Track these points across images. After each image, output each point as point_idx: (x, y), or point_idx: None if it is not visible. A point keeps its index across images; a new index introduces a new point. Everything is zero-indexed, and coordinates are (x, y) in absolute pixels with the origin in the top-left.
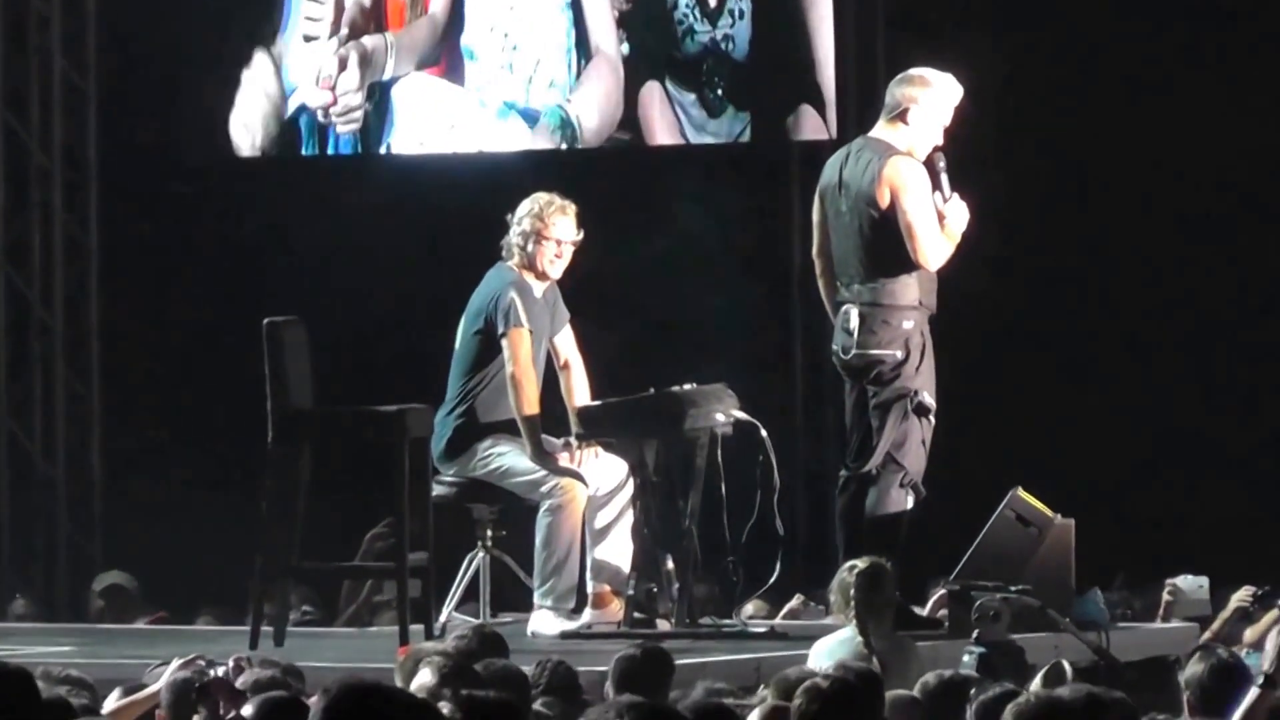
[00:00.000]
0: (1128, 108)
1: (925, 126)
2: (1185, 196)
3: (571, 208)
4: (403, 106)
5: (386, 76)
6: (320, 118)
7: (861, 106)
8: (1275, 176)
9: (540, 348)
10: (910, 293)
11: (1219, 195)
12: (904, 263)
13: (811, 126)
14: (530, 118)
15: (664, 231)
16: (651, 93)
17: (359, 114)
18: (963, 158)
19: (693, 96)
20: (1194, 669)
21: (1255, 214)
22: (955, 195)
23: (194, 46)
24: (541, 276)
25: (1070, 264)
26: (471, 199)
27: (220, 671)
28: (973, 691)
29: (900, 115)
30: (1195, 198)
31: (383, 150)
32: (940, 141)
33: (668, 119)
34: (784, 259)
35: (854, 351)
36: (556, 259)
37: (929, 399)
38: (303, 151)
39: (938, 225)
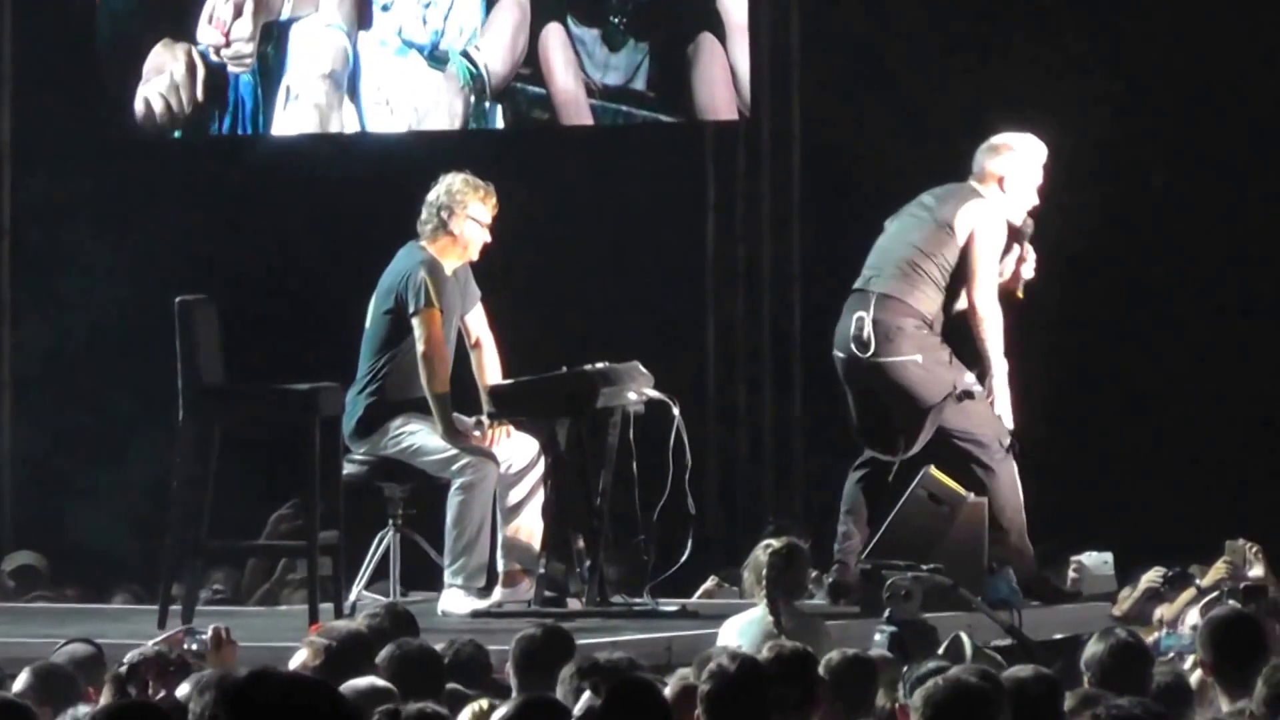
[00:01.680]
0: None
1: (1019, 193)
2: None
3: (488, 188)
4: (298, 49)
5: (285, 17)
6: (213, 56)
7: (774, 48)
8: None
9: (451, 327)
10: (930, 307)
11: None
12: (938, 284)
13: (718, 64)
14: (439, 60)
15: (577, 210)
16: (552, 34)
17: (249, 60)
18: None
19: (595, 33)
20: (1094, 648)
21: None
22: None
23: (104, 24)
24: (456, 256)
25: None
26: (384, 176)
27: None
28: (905, 669)
29: (995, 184)
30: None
31: (281, 93)
32: (1035, 203)
33: (568, 59)
34: (699, 238)
35: (868, 357)
36: (474, 239)
37: (970, 382)
38: (198, 96)
39: (997, 279)
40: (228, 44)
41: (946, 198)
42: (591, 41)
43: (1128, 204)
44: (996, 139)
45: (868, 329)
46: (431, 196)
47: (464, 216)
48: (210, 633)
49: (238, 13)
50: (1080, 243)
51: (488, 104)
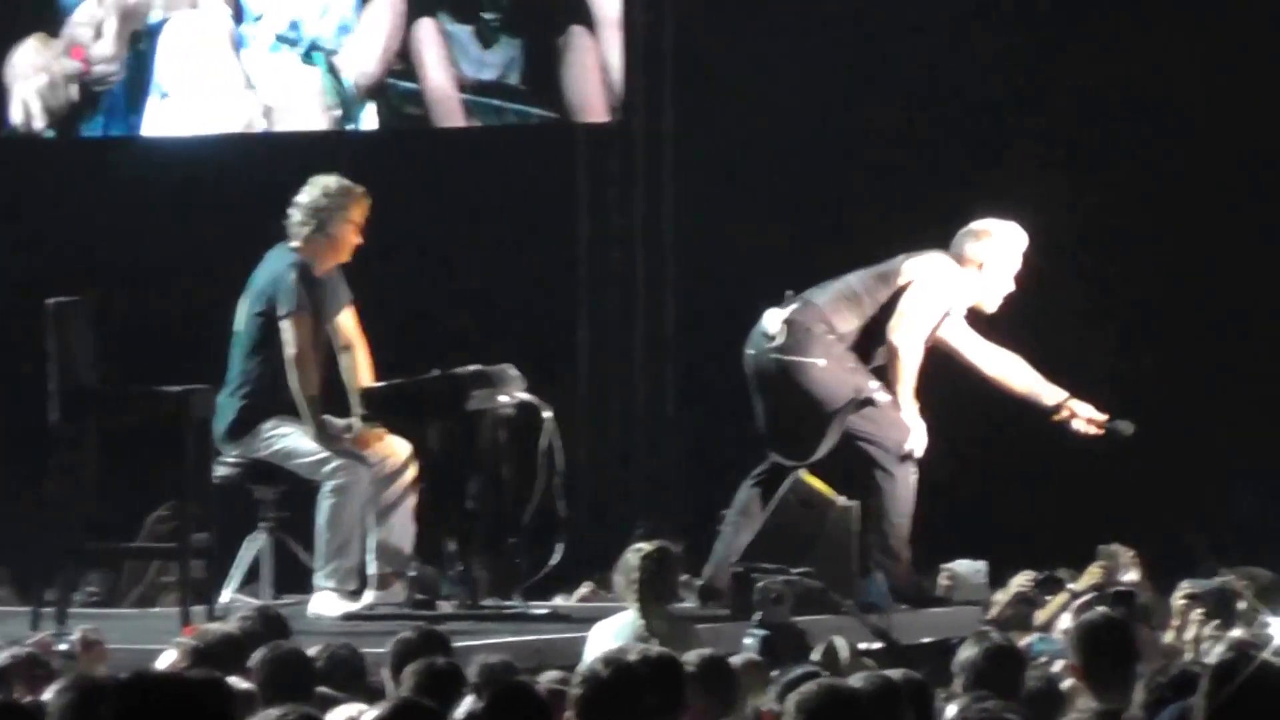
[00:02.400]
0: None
1: (997, 279)
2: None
3: (360, 190)
4: (169, 48)
5: (155, 20)
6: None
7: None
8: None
9: (321, 330)
10: (844, 325)
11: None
12: (861, 311)
13: (589, 59)
14: (311, 59)
15: (450, 212)
16: (424, 29)
17: (116, 77)
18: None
19: (468, 29)
20: (967, 652)
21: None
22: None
23: None
24: (329, 258)
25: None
26: (255, 178)
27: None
28: (774, 673)
29: (975, 267)
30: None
31: (153, 92)
32: (1011, 289)
33: (441, 55)
34: (571, 242)
35: (772, 355)
36: (348, 242)
37: (874, 389)
38: (73, 96)
39: (928, 329)
40: (88, 71)
41: (913, 254)
42: (465, 38)
43: None
44: (978, 224)
45: (779, 326)
46: (305, 199)
47: (342, 219)
48: (79, 636)
49: (98, 33)
50: None
51: (356, 112)
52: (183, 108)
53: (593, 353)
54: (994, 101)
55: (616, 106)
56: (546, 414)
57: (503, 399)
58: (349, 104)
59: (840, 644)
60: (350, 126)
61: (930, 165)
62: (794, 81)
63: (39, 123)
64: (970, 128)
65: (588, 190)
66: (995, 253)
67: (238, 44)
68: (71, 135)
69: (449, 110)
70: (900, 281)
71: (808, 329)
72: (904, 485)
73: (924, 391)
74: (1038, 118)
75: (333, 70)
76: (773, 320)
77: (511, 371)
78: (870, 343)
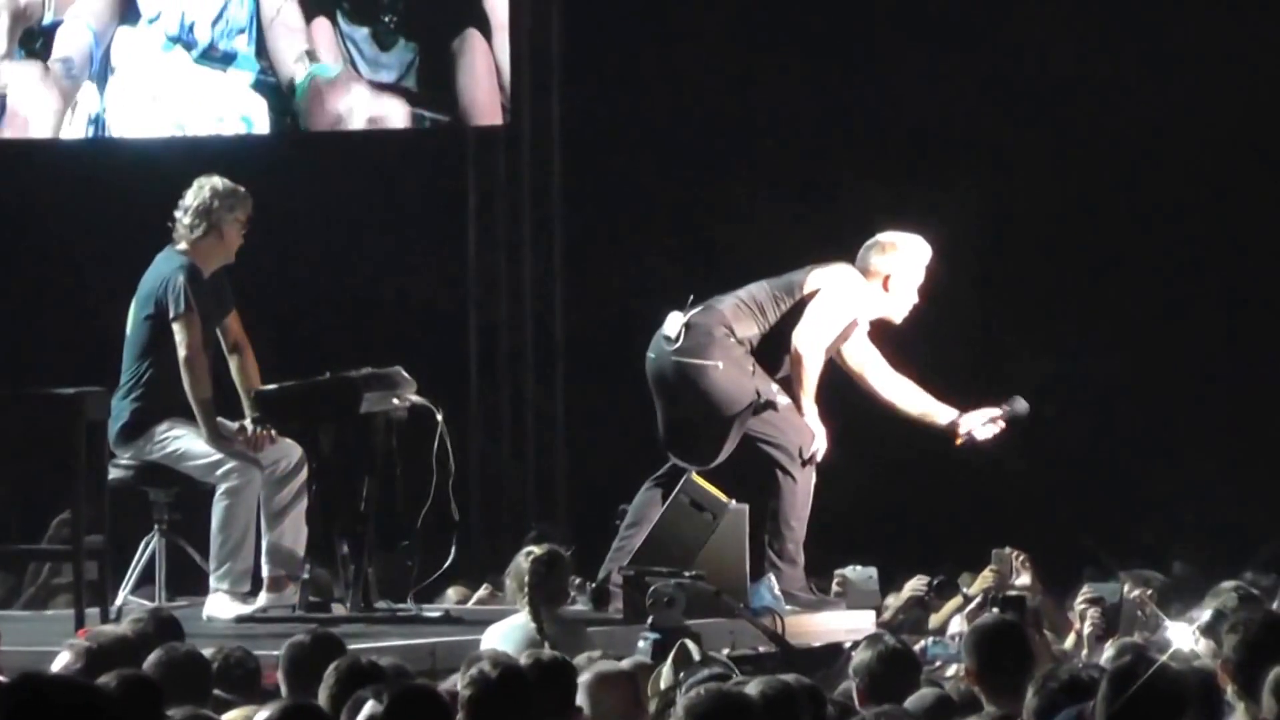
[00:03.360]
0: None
1: (900, 294)
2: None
3: (245, 191)
4: (59, 50)
5: (47, 21)
6: None
7: (533, 48)
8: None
9: (211, 332)
10: (745, 330)
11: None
12: (763, 318)
13: (481, 62)
14: (216, 60)
15: (341, 214)
16: (321, 30)
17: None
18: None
19: (365, 31)
20: (862, 656)
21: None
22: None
23: None
24: (219, 259)
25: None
26: (145, 180)
27: None
28: (681, 675)
29: (879, 281)
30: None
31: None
32: (915, 302)
33: (337, 55)
34: (460, 245)
35: (672, 357)
36: (234, 243)
37: (774, 392)
38: None
39: (831, 336)
40: None
41: (820, 265)
42: (362, 40)
43: None
44: (883, 237)
45: (679, 329)
46: (193, 201)
47: (230, 220)
48: None
49: None
50: None
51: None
52: (70, 110)
53: (483, 355)
54: (888, 104)
55: (507, 104)
56: (438, 416)
57: (395, 401)
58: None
59: (691, 647)
60: (245, 130)
61: (826, 169)
62: (683, 83)
63: None
64: (866, 132)
65: (476, 193)
66: (901, 265)
67: (107, 52)
68: None
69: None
70: (805, 291)
71: (708, 331)
72: (802, 489)
73: (823, 395)
74: (945, 123)
75: (263, 77)
76: (673, 324)
77: (402, 374)
78: (773, 351)
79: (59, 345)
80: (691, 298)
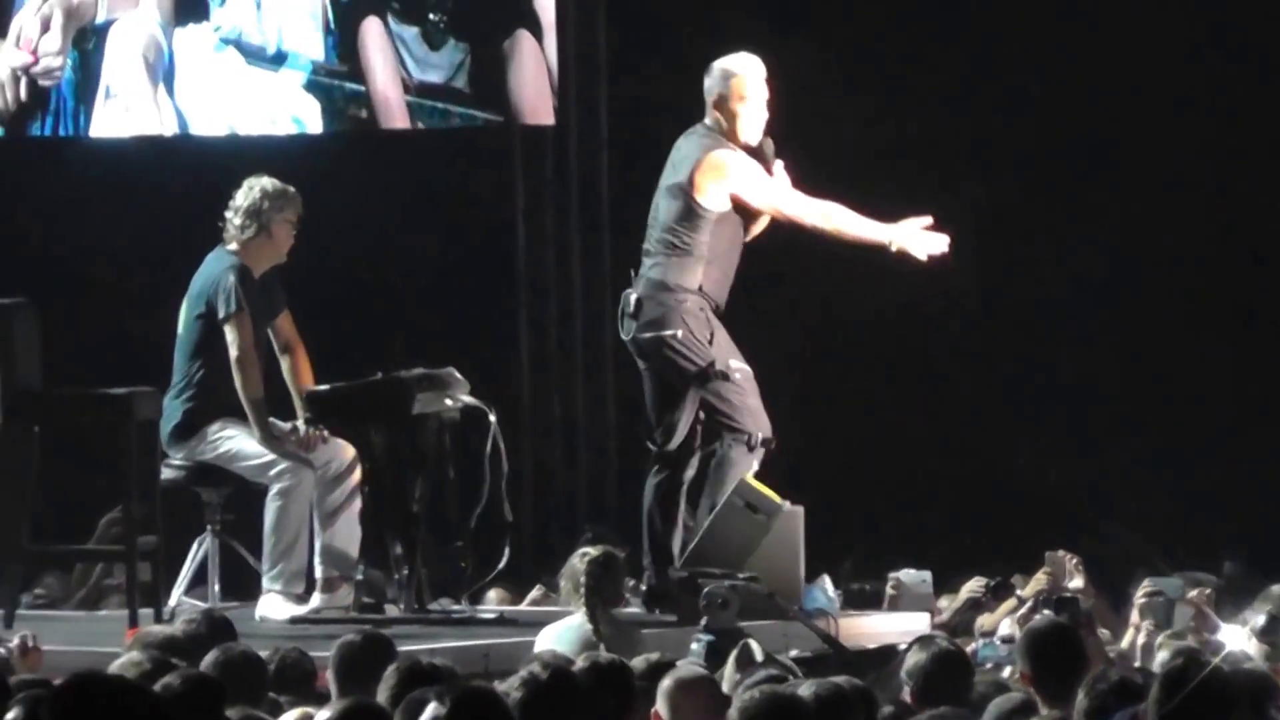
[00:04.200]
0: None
1: (745, 114)
2: (923, 186)
3: (294, 191)
4: (116, 48)
5: (100, 20)
6: (21, 73)
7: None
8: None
9: (261, 331)
10: (691, 278)
11: (950, 184)
12: (692, 249)
13: (532, 62)
14: (273, 60)
15: (392, 215)
16: (371, 30)
17: (59, 73)
18: None
19: (414, 31)
20: (915, 658)
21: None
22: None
23: None
24: (269, 259)
25: (805, 248)
26: (201, 180)
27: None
28: (738, 676)
29: (719, 109)
30: (929, 187)
31: (100, 92)
32: (765, 117)
33: (387, 55)
34: (510, 244)
35: (634, 334)
36: (285, 243)
37: (734, 363)
38: (21, 96)
39: (777, 188)
40: (36, 62)
41: (680, 162)
42: (412, 39)
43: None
44: (715, 63)
45: (632, 306)
46: (243, 201)
47: (280, 220)
48: (16, 640)
49: (45, 27)
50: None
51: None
52: (127, 109)
53: (534, 356)
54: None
55: (560, 109)
56: (491, 417)
57: (447, 402)
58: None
59: (754, 646)
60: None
61: (877, 166)
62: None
63: None
64: (921, 129)
65: (525, 192)
66: (734, 87)
67: (171, 52)
68: (20, 135)
69: (394, 112)
70: (703, 196)
71: (656, 299)
72: (738, 471)
73: (867, 397)
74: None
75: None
76: (627, 301)
77: (455, 375)
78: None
79: (111, 345)
80: (633, 272)
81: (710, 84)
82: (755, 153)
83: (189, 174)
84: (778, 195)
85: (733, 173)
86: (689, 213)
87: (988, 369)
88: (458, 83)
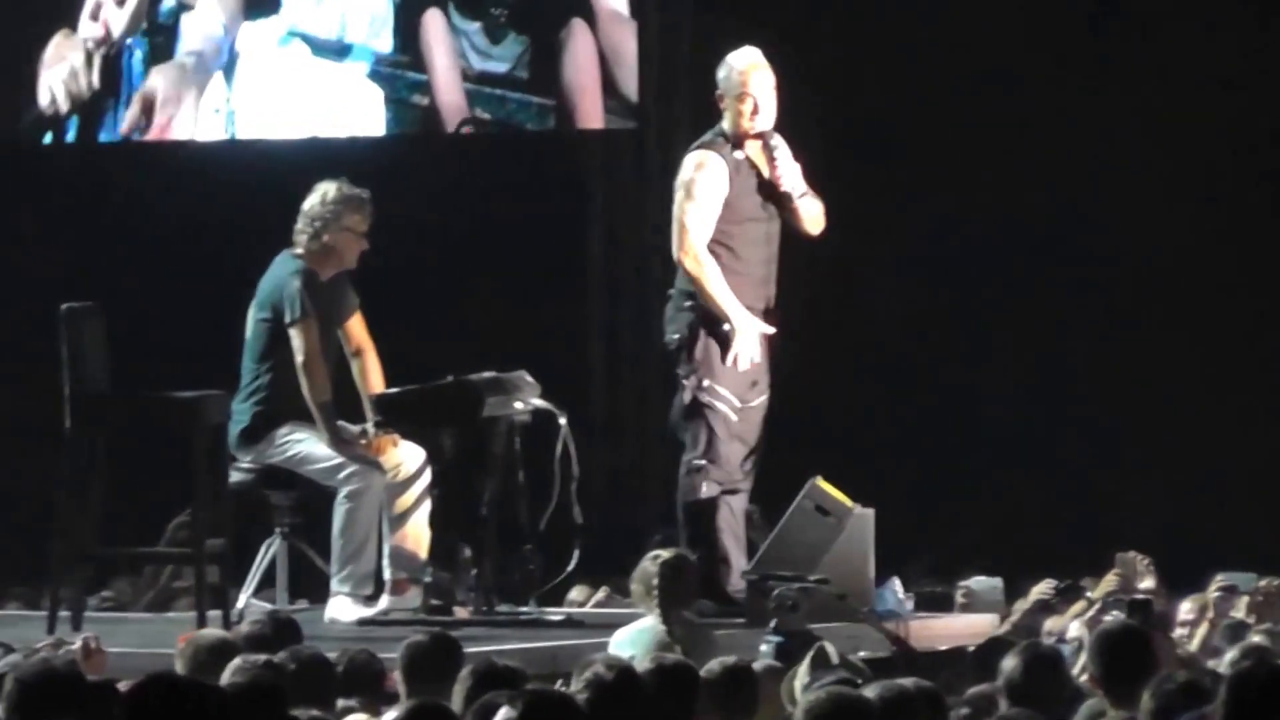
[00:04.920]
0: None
1: (746, 103)
2: (1005, 188)
3: (364, 197)
4: (187, 44)
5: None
6: (95, 49)
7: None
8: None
9: (330, 334)
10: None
11: (1026, 192)
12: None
13: (585, 52)
14: (339, 53)
15: (466, 218)
16: (432, 21)
17: (133, 44)
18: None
19: (476, 25)
20: (1009, 662)
21: (1080, 212)
22: (794, 173)
23: None
24: (332, 265)
25: (883, 254)
26: (268, 182)
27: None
28: (809, 679)
29: (723, 102)
30: (1002, 192)
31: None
32: (769, 113)
33: (449, 47)
34: (583, 248)
35: (665, 337)
36: (349, 249)
37: (718, 388)
38: (95, 83)
39: (704, 226)
40: (107, 36)
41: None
42: (473, 33)
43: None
44: (729, 56)
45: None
46: (306, 206)
47: (338, 228)
48: (79, 643)
49: (119, 2)
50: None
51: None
52: (198, 109)
53: (607, 359)
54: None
55: (616, 104)
56: (562, 420)
57: (517, 405)
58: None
59: (830, 649)
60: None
61: (964, 167)
62: (805, 83)
63: (64, 107)
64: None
65: (601, 195)
66: (733, 78)
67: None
68: (92, 123)
69: (455, 102)
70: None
71: (677, 308)
72: (690, 497)
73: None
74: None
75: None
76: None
77: (526, 378)
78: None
79: (179, 349)
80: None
81: (720, 83)
82: (760, 139)
83: (258, 176)
84: (688, 217)
85: (683, 177)
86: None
87: (1064, 373)
88: (519, 73)
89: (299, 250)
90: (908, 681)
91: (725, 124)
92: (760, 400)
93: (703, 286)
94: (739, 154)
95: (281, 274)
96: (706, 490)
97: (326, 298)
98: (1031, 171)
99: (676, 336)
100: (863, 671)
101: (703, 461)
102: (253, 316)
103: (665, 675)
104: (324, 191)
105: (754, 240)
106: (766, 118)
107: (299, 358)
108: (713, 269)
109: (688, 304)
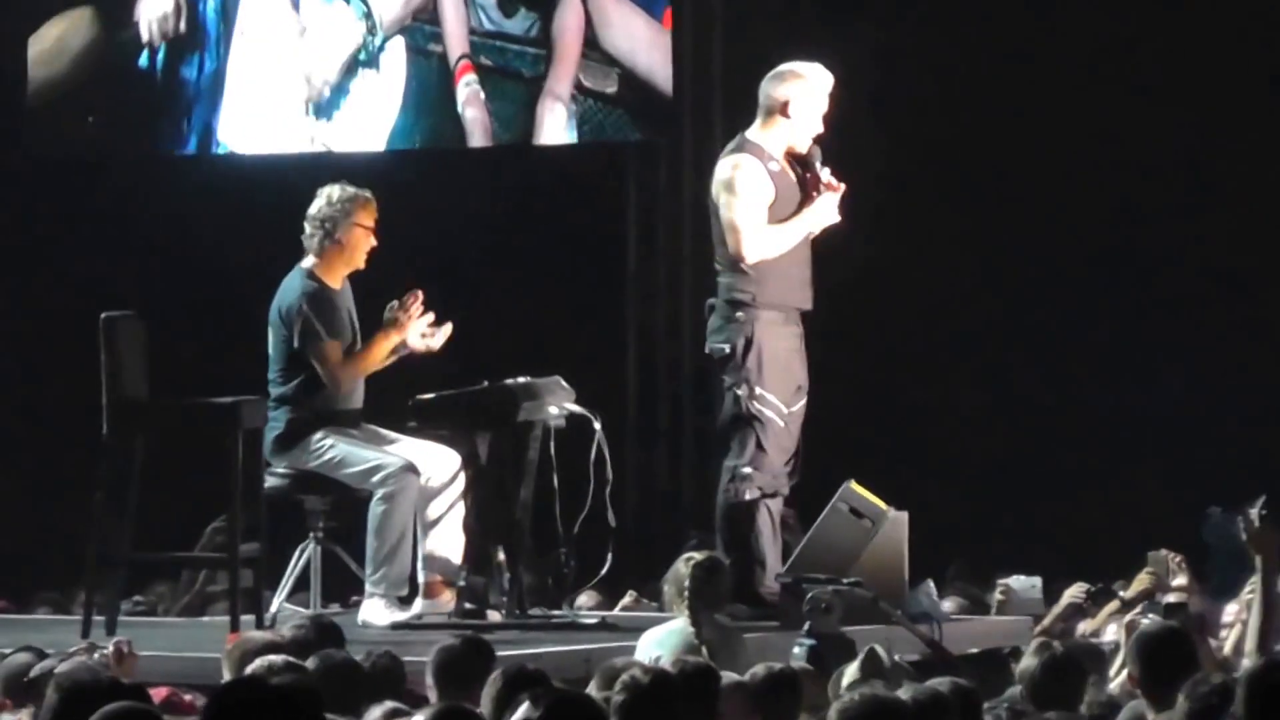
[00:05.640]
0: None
1: (803, 121)
2: (1030, 192)
3: (366, 195)
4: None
5: None
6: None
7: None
8: (1131, 173)
9: (356, 341)
10: (747, 288)
11: (1062, 192)
12: (735, 269)
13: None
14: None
15: (501, 226)
16: None
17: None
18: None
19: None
20: (1027, 663)
21: (1106, 211)
22: (831, 188)
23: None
24: (345, 265)
25: (914, 258)
26: (303, 192)
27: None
28: (845, 684)
29: (778, 112)
30: (1038, 193)
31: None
32: (820, 131)
33: (461, 10)
34: (618, 254)
35: (707, 346)
36: (360, 245)
37: (768, 395)
38: (181, 28)
39: (758, 221)
40: None
41: (714, 174)
42: (489, 6)
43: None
44: (782, 66)
45: (708, 320)
46: (313, 210)
47: (350, 224)
48: (112, 647)
49: None
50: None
51: (375, 41)
52: (247, 117)
53: (641, 365)
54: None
55: (592, 55)
56: (596, 425)
57: (552, 410)
58: (370, 39)
59: (881, 651)
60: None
61: (990, 175)
62: (838, 93)
63: (156, 40)
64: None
65: (637, 203)
66: (800, 92)
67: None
68: (148, 149)
69: (460, 51)
70: (717, 194)
71: (724, 317)
72: (731, 500)
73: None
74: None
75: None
76: (708, 312)
77: (561, 384)
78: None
79: (216, 355)
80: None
81: (765, 85)
82: (800, 160)
83: (295, 187)
84: (738, 216)
85: (721, 178)
86: (718, 231)
87: (1099, 374)
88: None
89: (310, 261)
90: (943, 682)
91: (779, 131)
92: (801, 404)
93: (774, 247)
94: (773, 162)
95: (290, 296)
96: (749, 495)
97: (340, 309)
98: (1061, 172)
99: (725, 346)
100: (913, 675)
101: (749, 469)
102: (272, 332)
103: (686, 678)
104: (328, 194)
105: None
106: (812, 135)
107: (325, 376)
108: (769, 234)
109: (739, 315)
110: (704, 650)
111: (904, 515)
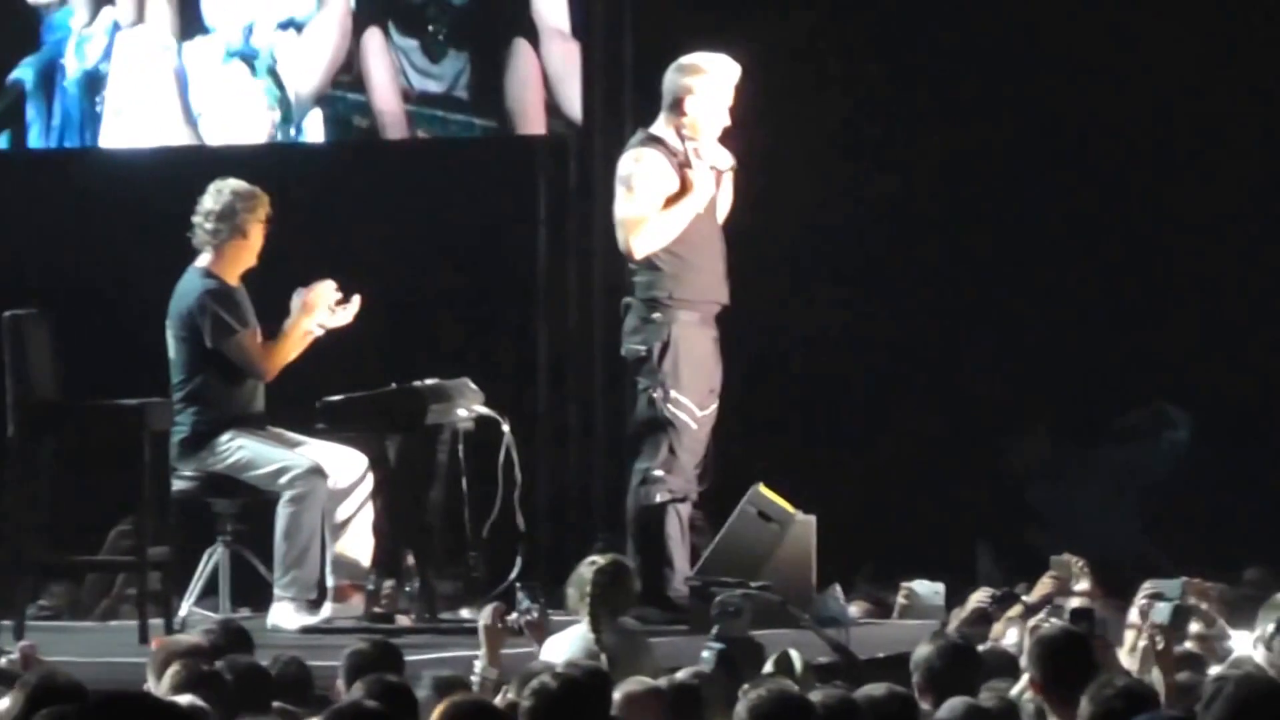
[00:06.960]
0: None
1: (705, 114)
2: (950, 190)
3: (261, 191)
4: (122, 60)
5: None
6: None
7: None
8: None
9: (262, 333)
10: (660, 286)
11: (956, 193)
12: (653, 259)
13: (531, 70)
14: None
15: (407, 225)
16: (372, 40)
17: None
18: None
19: (415, 43)
20: (922, 651)
21: (1005, 211)
22: (698, 155)
23: None
24: (245, 261)
25: (823, 258)
26: (201, 189)
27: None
28: (744, 688)
29: (677, 106)
30: (955, 192)
31: (108, 104)
32: (726, 123)
33: (388, 66)
34: (529, 254)
35: (623, 348)
36: (258, 244)
37: (682, 398)
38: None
39: (647, 215)
40: None
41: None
42: (412, 51)
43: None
44: (685, 58)
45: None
46: (213, 205)
47: (254, 221)
48: (19, 652)
49: None
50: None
51: (290, 127)
52: (138, 122)
53: (551, 367)
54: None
55: (556, 118)
56: (505, 427)
57: (461, 413)
58: (291, 115)
59: (794, 655)
60: (294, 137)
61: (900, 176)
62: (755, 90)
63: None
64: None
65: (546, 202)
66: (703, 83)
67: (181, 65)
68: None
69: (395, 122)
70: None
71: (639, 317)
72: (641, 503)
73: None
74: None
75: (277, 82)
76: (624, 313)
77: (470, 385)
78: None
79: (122, 356)
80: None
81: (668, 77)
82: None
83: (196, 184)
84: (626, 212)
85: (621, 173)
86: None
87: (1004, 376)
88: (458, 93)
89: (205, 258)
90: (879, 687)
91: (681, 124)
92: (713, 408)
93: (660, 237)
94: (677, 155)
95: (190, 297)
96: (660, 498)
97: (243, 302)
98: (970, 171)
99: (642, 349)
100: (822, 680)
101: (660, 472)
102: (171, 334)
103: (572, 684)
104: (230, 188)
105: (706, 236)
106: (716, 127)
107: (249, 370)
108: (653, 225)
109: (656, 315)
110: (602, 656)
111: (812, 519)
